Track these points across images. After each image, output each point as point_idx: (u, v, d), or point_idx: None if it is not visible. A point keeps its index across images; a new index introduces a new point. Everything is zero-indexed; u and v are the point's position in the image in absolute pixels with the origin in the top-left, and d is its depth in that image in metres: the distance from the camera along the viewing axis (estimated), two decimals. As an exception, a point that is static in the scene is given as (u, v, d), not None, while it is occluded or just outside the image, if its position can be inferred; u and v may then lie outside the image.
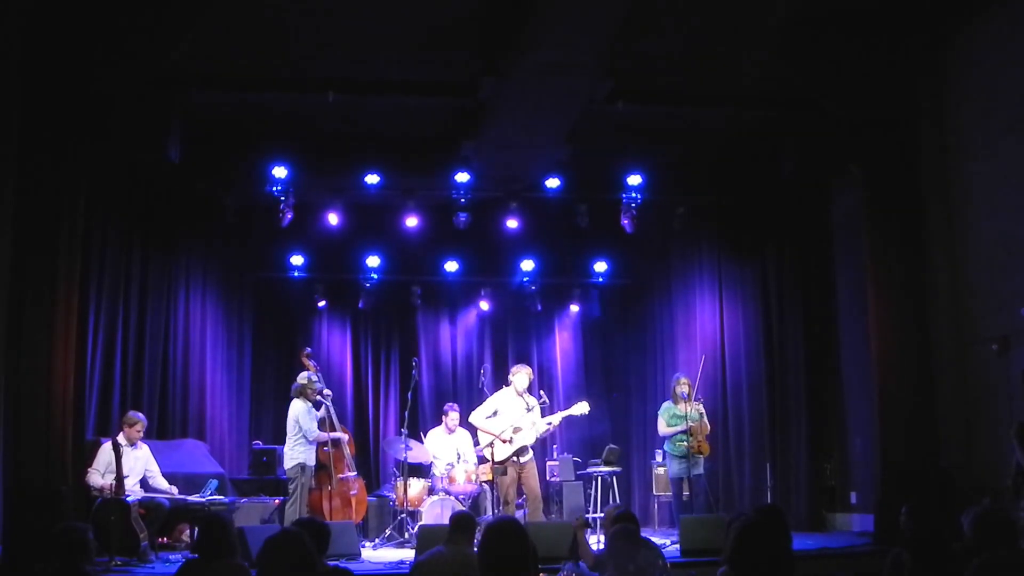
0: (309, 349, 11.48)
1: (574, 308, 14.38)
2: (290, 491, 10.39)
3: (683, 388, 10.99)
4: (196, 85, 10.52)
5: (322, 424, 10.77)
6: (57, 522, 8.08)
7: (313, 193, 12.34)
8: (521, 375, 10.67)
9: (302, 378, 10.73)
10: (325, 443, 10.69)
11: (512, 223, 12.70)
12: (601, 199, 12.60)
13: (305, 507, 10.27)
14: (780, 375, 12.54)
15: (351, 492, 10.82)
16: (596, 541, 10.43)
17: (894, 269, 10.39)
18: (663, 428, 11.15)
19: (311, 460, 10.48)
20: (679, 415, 10.92)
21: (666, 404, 11.19)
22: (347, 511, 10.72)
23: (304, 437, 10.44)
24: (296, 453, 10.43)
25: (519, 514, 10.52)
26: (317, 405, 10.81)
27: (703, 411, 11.07)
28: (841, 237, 12.12)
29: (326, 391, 10.97)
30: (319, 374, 11.01)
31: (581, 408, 10.85)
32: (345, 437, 11.03)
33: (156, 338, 12.22)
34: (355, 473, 11.02)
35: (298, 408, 10.55)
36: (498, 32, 9.75)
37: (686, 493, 10.83)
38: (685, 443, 10.78)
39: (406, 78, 10.79)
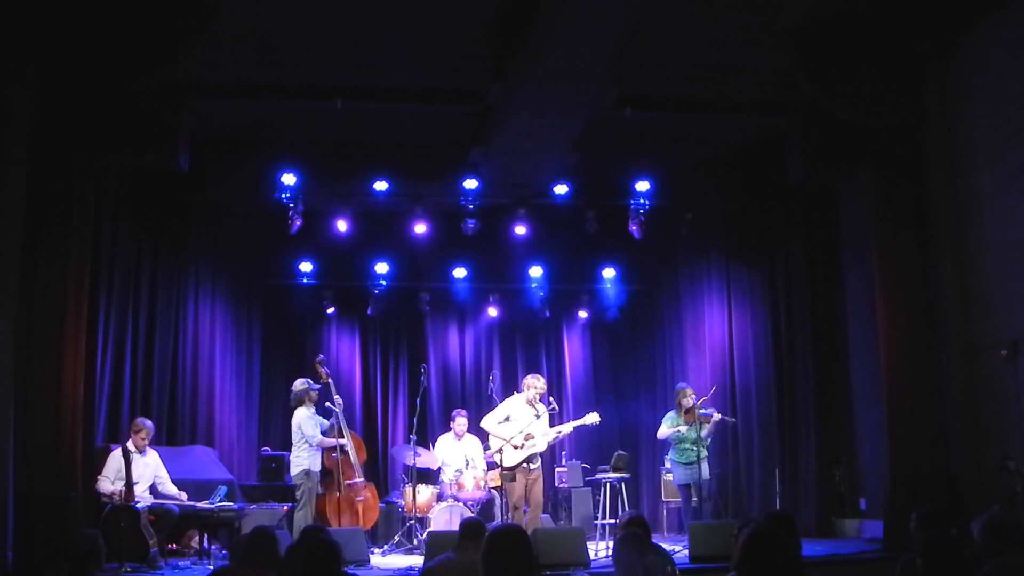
0: (322, 356, 11.50)
1: (583, 314, 14.38)
2: (297, 497, 10.41)
3: (687, 400, 10.98)
4: (205, 93, 10.56)
5: (329, 431, 10.79)
6: (66, 529, 8.16)
7: (322, 200, 12.36)
8: (534, 385, 10.68)
9: (299, 385, 10.78)
10: (333, 449, 10.70)
11: (520, 229, 12.71)
12: (609, 205, 12.61)
13: (313, 513, 10.27)
14: (789, 381, 12.52)
15: (358, 498, 10.81)
16: (605, 547, 10.46)
17: (902, 275, 10.38)
18: (661, 431, 11.19)
19: (316, 466, 10.49)
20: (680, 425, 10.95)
21: (670, 414, 11.18)
22: (354, 517, 10.71)
23: (307, 443, 10.45)
24: (300, 459, 10.47)
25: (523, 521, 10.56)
26: (328, 413, 10.84)
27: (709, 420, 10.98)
28: (849, 243, 12.11)
29: (336, 398, 10.97)
30: (331, 381, 11.01)
31: (592, 418, 10.86)
32: (352, 443, 11.01)
33: (165, 345, 12.25)
34: (362, 479, 11.00)
35: (300, 415, 10.59)
36: (507, 38, 9.77)
37: (695, 499, 10.83)
38: (692, 450, 10.79)
39: (414, 85, 10.82)
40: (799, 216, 12.63)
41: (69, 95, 9.14)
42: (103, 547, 5.77)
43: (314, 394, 10.74)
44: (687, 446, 10.80)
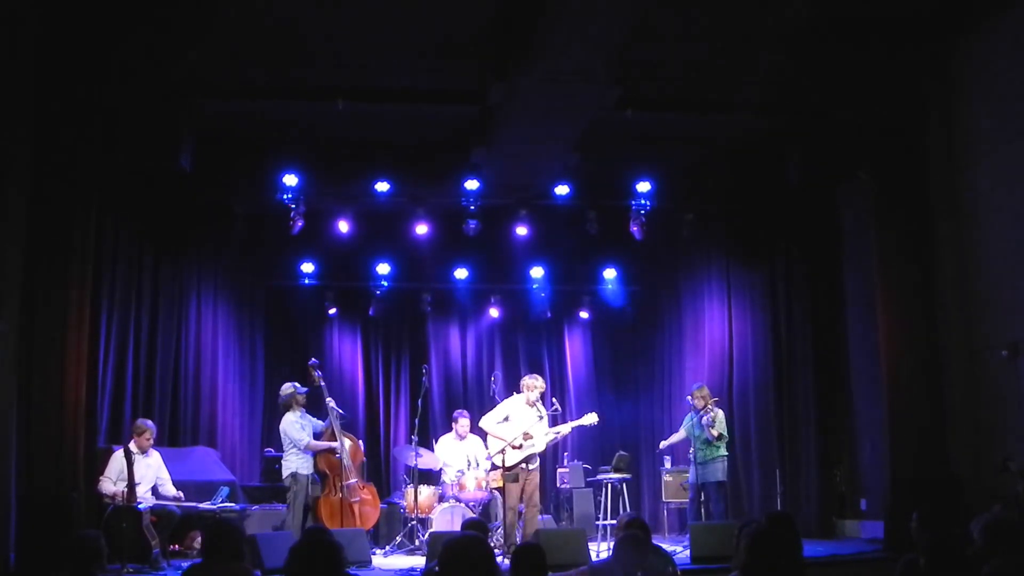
0: (315, 360, 11.36)
1: (584, 315, 14.39)
2: (287, 499, 10.43)
3: (699, 400, 11.06)
4: (207, 94, 10.57)
5: (323, 433, 10.76)
6: (68, 529, 8.16)
7: (323, 201, 12.37)
8: (533, 386, 10.70)
9: (285, 389, 10.76)
10: (334, 451, 10.69)
11: (522, 230, 12.73)
12: (610, 206, 12.61)
13: (300, 515, 10.26)
14: (789, 381, 12.52)
15: (353, 499, 10.76)
16: (607, 548, 10.47)
17: (903, 275, 10.38)
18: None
19: (304, 469, 10.45)
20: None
21: (688, 414, 11.28)
22: (351, 519, 10.68)
23: (295, 447, 10.47)
24: (288, 463, 10.48)
25: (519, 523, 10.57)
26: (327, 414, 10.83)
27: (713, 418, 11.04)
28: (850, 243, 12.11)
29: (329, 400, 10.92)
30: (324, 384, 10.97)
31: (590, 419, 10.88)
32: (347, 445, 10.92)
33: (168, 346, 12.27)
34: (356, 480, 10.93)
35: (286, 420, 10.59)
36: (508, 39, 9.78)
37: (702, 499, 10.89)
38: (701, 450, 10.87)
39: (416, 85, 10.83)
40: (799, 216, 12.62)
41: (71, 97, 9.15)
42: (105, 548, 5.77)
43: (301, 397, 10.69)
44: (699, 445, 10.90)
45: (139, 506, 9.15)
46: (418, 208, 12.51)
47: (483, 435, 11.16)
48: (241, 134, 11.72)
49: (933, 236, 10.37)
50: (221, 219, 12.42)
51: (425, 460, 11.61)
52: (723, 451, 10.97)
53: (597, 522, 11.71)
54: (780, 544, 4.13)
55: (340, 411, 10.93)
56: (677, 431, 11.58)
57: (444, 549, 3.97)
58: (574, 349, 14.66)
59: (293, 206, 11.81)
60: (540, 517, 10.87)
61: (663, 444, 11.86)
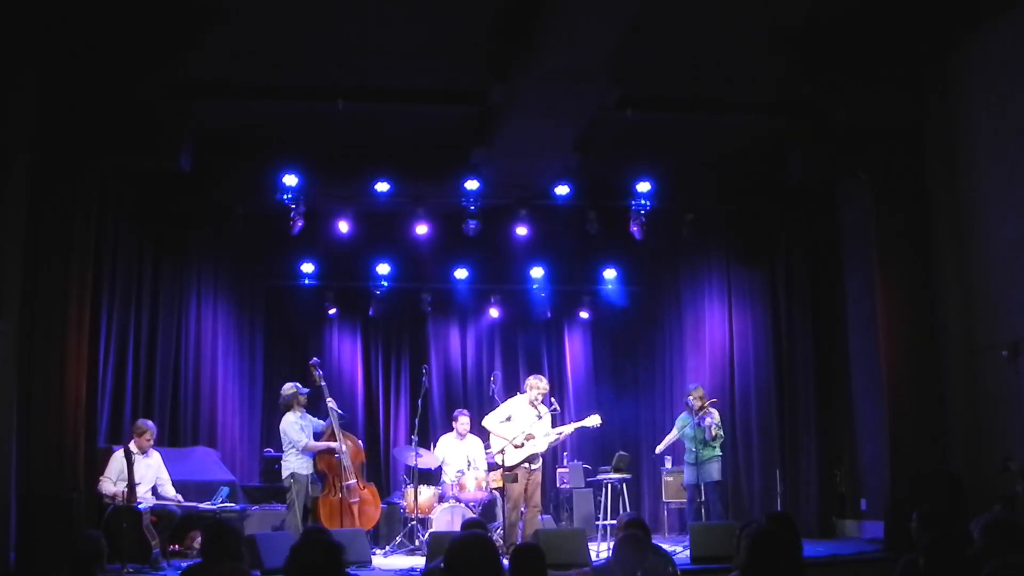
0: (316, 360, 11.36)
1: (584, 315, 14.39)
2: (286, 499, 10.43)
3: (696, 401, 11.08)
4: (207, 94, 10.58)
5: (323, 433, 10.75)
6: (68, 529, 8.17)
7: (323, 201, 12.37)
8: (536, 386, 10.71)
9: (287, 389, 10.75)
10: (334, 451, 10.68)
11: (522, 230, 12.72)
12: (610, 206, 12.61)
13: (299, 515, 10.26)
14: (789, 381, 12.53)
15: (352, 500, 10.74)
16: (607, 548, 10.47)
17: (903, 275, 10.40)
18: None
19: (303, 469, 10.45)
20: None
21: (682, 415, 11.28)
22: (350, 519, 10.67)
23: (294, 447, 10.47)
24: (288, 463, 10.49)
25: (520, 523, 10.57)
26: (327, 414, 10.82)
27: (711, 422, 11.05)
28: (849, 243, 12.12)
29: (329, 400, 10.91)
30: (325, 384, 10.96)
31: (593, 420, 10.90)
32: (348, 445, 10.90)
33: (167, 346, 12.26)
34: (355, 481, 10.92)
35: (286, 420, 10.60)
36: (508, 39, 9.78)
37: (701, 499, 10.89)
38: (694, 450, 10.87)
39: (416, 85, 10.84)
40: (799, 216, 12.64)
41: (71, 97, 9.16)
42: (105, 548, 5.80)
43: (302, 397, 10.69)
44: (696, 446, 10.90)
45: (139, 506, 9.15)
46: (418, 208, 12.50)
47: (484, 435, 11.17)
48: (241, 134, 11.72)
49: (933, 236, 10.38)
50: (221, 219, 12.43)
51: (425, 460, 11.60)
52: (718, 451, 10.99)
53: (597, 522, 11.70)
54: (780, 544, 4.13)
55: (340, 411, 10.94)
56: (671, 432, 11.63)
57: (450, 548, 3.95)
58: (574, 349, 14.65)
59: (293, 206, 11.80)
60: (540, 517, 10.89)
61: (659, 448, 11.90)
